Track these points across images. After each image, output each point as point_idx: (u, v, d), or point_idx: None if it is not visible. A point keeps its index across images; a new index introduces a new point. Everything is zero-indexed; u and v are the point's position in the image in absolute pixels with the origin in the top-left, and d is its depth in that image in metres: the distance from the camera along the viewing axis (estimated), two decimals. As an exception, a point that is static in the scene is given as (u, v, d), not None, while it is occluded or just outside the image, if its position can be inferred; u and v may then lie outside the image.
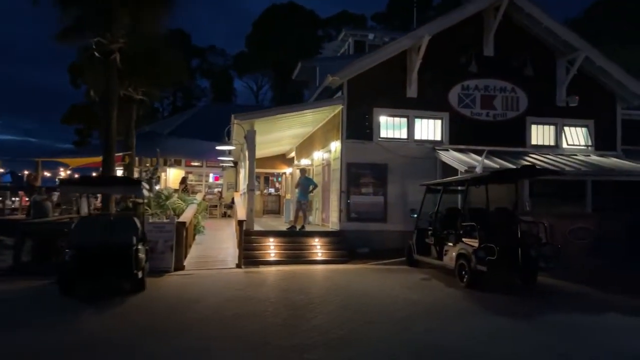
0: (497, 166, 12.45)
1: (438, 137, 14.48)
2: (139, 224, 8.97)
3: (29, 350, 5.46)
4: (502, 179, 9.91)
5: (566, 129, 15.29)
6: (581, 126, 15.40)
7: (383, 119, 14.17)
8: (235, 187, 26.38)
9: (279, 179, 27.68)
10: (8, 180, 29.81)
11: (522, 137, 14.84)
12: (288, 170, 25.05)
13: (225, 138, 13.73)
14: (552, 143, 15.18)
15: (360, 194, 13.85)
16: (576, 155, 14.79)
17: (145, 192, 9.31)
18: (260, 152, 17.41)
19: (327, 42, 26.60)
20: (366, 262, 12.33)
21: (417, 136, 14.34)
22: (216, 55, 56.14)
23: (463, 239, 9.21)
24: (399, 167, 13.96)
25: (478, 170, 11.55)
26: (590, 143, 15.36)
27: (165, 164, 25.90)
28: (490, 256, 8.28)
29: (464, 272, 9.05)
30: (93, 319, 6.88)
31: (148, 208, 13.57)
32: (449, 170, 13.49)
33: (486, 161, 11.97)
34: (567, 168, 12.78)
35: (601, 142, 15.33)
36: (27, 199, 16.91)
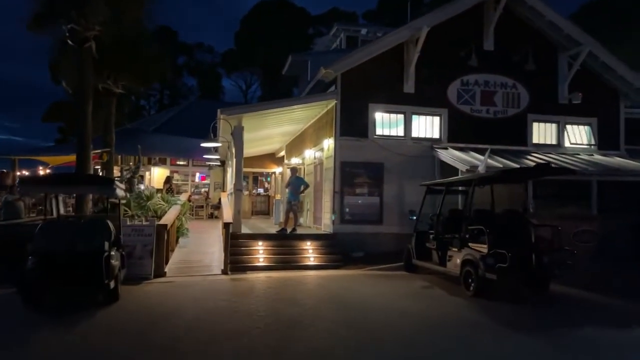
0: (500, 165, 11.75)
1: (436, 135, 13.74)
2: (112, 228, 8.07)
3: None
4: (514, 178, 9.15)
5: (568, 127, 14.65)
6: (584, 124, 14.78)
7: (379, 116, 13.39)
8: (222, 187, 25.48)
9: (268, 178, 26.82)
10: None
11: (523, 135, 14.17)
12: (278, 169, 24.19)
13: (210, 134, 12.84)
14: (554, 142, 14.53)
15: (355, 194, 13.06)
16: (579, 154, 14.15)
17: (121, 192, 8.40)
18: (248, 151, 16.57)
19: (319, 38, 25.81)
20: (361, 268, 11.53)
21: (414, 134, 13.59)
22: (204, 53, 55.01)
23: (469, 244, 8.45)
24: (395, 166, 13.20)
25: (481, 169, 10.82)
26: (593, 142, 14.74)
27: (149, 162, 24.90)
28: (501, 263, 7.52)
29: (470, 280, 8.30)
30: (50, 337, 5.97)
31: (128, 209, 12.67)
32: (447, 169, 12.78)
33: (489, 160, 11.24)
34: (575, 168, 12.11)
35: (604, 141, 14.71)
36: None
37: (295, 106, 13.13)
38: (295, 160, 18.27)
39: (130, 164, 20.24)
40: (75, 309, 7.36)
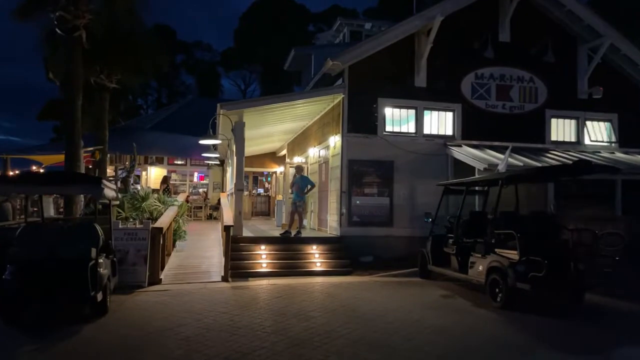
0: (521, 164, 10.95)
1: (449, 132, 12.94)
2: (100, 232, 7.25)
3: None
4: (550, 176, 8.29)
5: (588, 123, 13.87)
6: (604, 120, 14.00)
7: (389, 111, 12.59)
8: (221, 187, 24.67)
9: (269, 178, 26.02)
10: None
11: (541, 131, 13.37)
12: (279, 169, 23.38)
13: (210, 131, 12.01)
14: (574, 139, 13.75)
15: (363, 194, 12.25)
16: (600, 152, 13.37)
17: (110, 193, 7.59)
18: (248, 150, 15.71)
19: (321, 33, 24.98)
20: (372, 274, 10.73)
21: (426, 130, 12.79)
22: (202, 51, 54.16)
23: (496, 250, 7.64)
24: (406, 165, 12.39)
25: (501, 168, 10.04)
26: (614, 139, 13.96)
27: (146, 162, 24.09)
28: (536, 272, 6.71)
29: (497, 290, 7.50)
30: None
31: (121, 211, 11.86)
32: (461, 168, 12.01)
33: (509, 159, 10.43)
34: (617, 167, 11.25)
35: (625, 138, 13.92)
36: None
37: (300, 100, 12.30)
38: (297, 159, 17.46)
39: (127, 163, 19.42)
40: (58, 324, 6.54)
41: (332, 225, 12.93)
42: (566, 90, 13.54)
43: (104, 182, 6.83)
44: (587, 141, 13.74)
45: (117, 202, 11.67)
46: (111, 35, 13.43)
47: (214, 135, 12.35)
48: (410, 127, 12.75)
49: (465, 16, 12.71)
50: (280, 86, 39.93)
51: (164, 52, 15.52)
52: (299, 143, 18.24)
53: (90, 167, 14.28)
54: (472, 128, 12.86)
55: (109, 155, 20.85)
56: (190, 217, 20.73)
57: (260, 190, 26.23)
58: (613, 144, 13.90)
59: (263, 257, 10.96)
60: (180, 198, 15.77)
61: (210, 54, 53.89)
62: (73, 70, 10.33)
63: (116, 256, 8.44)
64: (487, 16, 13.03)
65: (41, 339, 5.94)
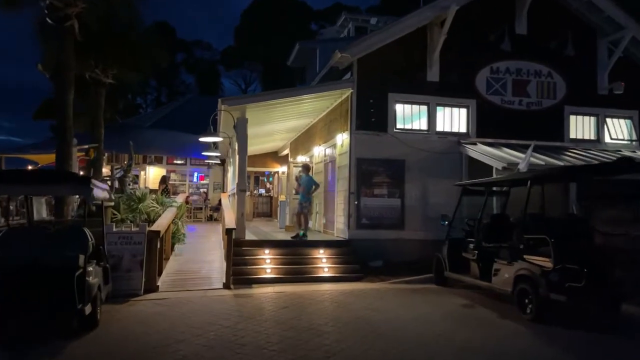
0: (542, 163, 10.27)
1: (463, 129, 12.26)
2: (90, 237, 6.57)
3: None
4: (588, 175, 7.55)
5: (608, 120, 13.19)
6: (625, 117, 13.33)
7: (399, 107, 11.91)
8: (222, 187, 24.01)
9: (270, 178, 25.35)
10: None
11: (559, 129, 12.69)
12: (281, 169, 22.72)
13: (210, 128, 11.33)
14: (593, 137, 13.07)
15: (373, 195, 11.57)
16: (621, 151, 12.69)
17: (102, 193, 6.91)
18: (249, 149, 14.99)
19: (325, 28, 24.25)
20: (383, 280, 10.05)
21: (439, 127, 12.11)
22: (202, 50, 53.53)
23: (525, 256, 6.96)
24: (418, 164, 11.72)
25: (522, 167, 9.36)
26: (635, 137, 13.28)
27: (144, 161, 23.42)
28: (574, 281, 6.03)
29: (527, 301, 6.82)
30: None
31: (117, 213, 11.19)
32: (476, 167, 11.33)
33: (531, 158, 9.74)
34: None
35: (647, 136, 13.27)
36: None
37: (306, 96, 11.61)
38: (301, 159, 16.80)
39: (124, 162, 18.73)
40: (40, 339, 5.86)
41: (339, 227, 12.25)
42: (585, 86, 12.87)
43: (94, 181, 6.16)
44: (607, 139, 13.07)
45: (112, 204, 11.02)
46: (107, 28, 12.78)
47: (214, 133, 11.67)
48: (422, 124, 12.08)
49: (480, 7, 12.05)
50: (281, 85, 39.05)
51: (162, 47, 14.82)
52: (302, 142, 17.57)
53: (84, 166, 13.56)
54: (487, 125, 12.19)
55: (106, 154, 20.25)
56: (190, 218, 20.08)
57: (262, 191, 25.56)
58: (634, 142, 13.23)
59: (267, 262, 10.28)
60: (180, 199, 15.08)
61: (210, 52, 53.31)
62: (64, 61, 9.66)
63: (109, 262, 7.77)
64: (503, 7, 12.37)
65: (20, 357, 5.27)
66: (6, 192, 7.01)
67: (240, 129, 10.88)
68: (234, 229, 9.81)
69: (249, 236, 11.41)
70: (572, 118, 12.89)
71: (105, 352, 5.47)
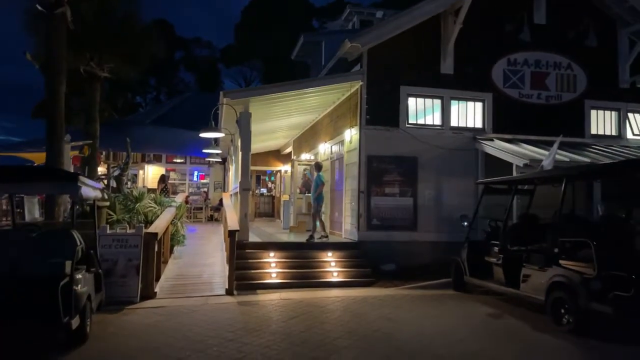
0: (567, 159, 9.59)
1: (479, 124, 11.60)
2: (79, 240, 5.91)
3: None
4: (632, 172, 6.86)
5: (630, 115, 12.52)
6: (646, 112, 12.67)
7: (412, 101, 11.25)
8: (223, 186, 23.36)
9: (272, 178, 24.68)
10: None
11: (580, 124, 12.02)
12: (283, 167, 22.05)
13: (211, 123, 10.66)
14: (615, 132, 12.40)
15: (384, 194, 10.91)
16: (644, 147, 12.03)
17: (93, 192, 6.25)
18: (251, 147, 14.41)
19: (329, 22, 23.54)
20: (397, 285, 9.39)
21: (453, 122, 11.45)
22: (202, 48, 52.84)
23: (561, 261, 6.29)
24: (431, 161, 11.06)
25: (546, 164, 8.68)
26: (658, 133, 12.63)
27: (143, 160, 22.77)
28: (621, 290, 5.37)
29: (563, 311, 6.16)
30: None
31: (112, 214, 10.53)
32: (493, 164, 10.69)
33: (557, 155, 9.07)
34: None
35: (670, 132, 12.61)
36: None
37: (313, 88, 10.92)
38: (305, 157, 16.15)
39: (121, 160, 18.05)
40: (22, 356, 5.20)
41: (348, 228, 11.59)
42: (606, 79, 12.21)
43: (82, 179, 5.49)
44: (629, 135, 12.41)
45: (107, 204, 10.37)
46: (102, 19, 12.16)
47: (216, 128, 10.99)
48: (436, 119, 11.42)
49: (496, -5, 11.40)
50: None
51: (159, 39, 14.17)
52: (306, 139, 16.91)
53: (79, 164, 12.91)
54: (504, 120, 11.53)
55: (104, 153, 19.60)
56: (190, 218, 19.43)
57: (263, 190, 24.90)
58: (657, 139, 12.57)
59: (272, 266, 9.62)
60: (179, 198, 14.42)
61: (210, 50, 52.64)
62: (55, 50, 8.99)
63: (102, 267, 7.11)
64: (521, -5, 11.71)
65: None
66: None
67: (244, 124, 10.21)
68: (237, 230, 9.14)
69: (252, 238, 10.75)
70: (593, 113, 12.22)
71: (94, 373, 4.82)
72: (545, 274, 6.49)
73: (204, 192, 23.48)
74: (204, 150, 15.04)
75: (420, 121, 11.34)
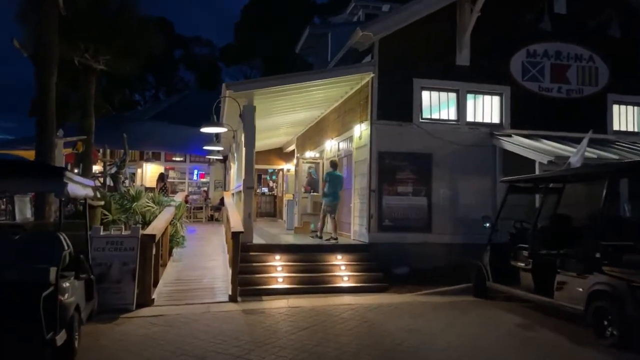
0: (595, 156, 8.97)
1: (496, 119, 10.98)
2: (66, 244, 5.26)
3: None
4: None
5: (654, 111, 11.91)
6: (670, 108, 12.03)
7: (426, 94, 10.62)
8: (224, 185, 22.72)
9: (274, 177, 24.05)
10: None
11: (602, 120, 11.38)
12: (286, 166, 21.43)
13: (213, 117, 10.02)
14: (637, 129, 11.78)
15: (396, 193, 10.28)
16: (670, 144, 11.39)
17: (83, 190, 5.61)
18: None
19: (332, 18, 22.90)
20: (412, 291, 8.74)
21: (469, 117, 10.82)
22: (202, 47, 52.21)
23: (603, 267, 5.66)
24: (446, 158, 10.44)
25: (574, 161, 8.06)
26: (683, 130, 11.99)
27: (141, 158, 22.12)
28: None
29: (606, 322, 5.53)
30: None
31: (108, 214, 9.90)
32: (512, 161, 10.09)
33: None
34: None
35: (696, 128, 11.97)
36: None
37: (321, 80, 10.26)
38: (310, 154, 15.51)
39: (117, 158, 17.41)
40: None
41: (357, 229, 10.96)
42: (630, 72, 11.56)
43: (69, 174, 4.84)
44: (652, 131, 11.80)
45: (102, 203, 9.73)
46: (97, 9, 11.51)
47: (218, 123, 10.35)
48: (451, 114, 10.80)
49: (515, -18, 10.77)
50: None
51: (158, 33, 13.50)
52: (311, 136, 16.28)
53: (73, 162, 12.27)
54: (523, 115, 10.91)
55: (101, 150, 18.96)
56: (190, 218, 18.78)
57: (265, 190, 24.26)
58: (682, 136, 11.93)
59: (278, 270, 8.99)
60: (178, 198, 13.77)
61: (210, 49, 52.00)
62: (46, 37, 8.32)
63: (94, 273, 6.48)
64: (540, -17, 11.07)
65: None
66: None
67: (248, 118, 9.57)
68: (242, 232, 8.49)
69: (256, 239, 10.12)
70: (615, 107, 11.59)
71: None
72: (585, 282, 5.86)
73: (204, 191, 22.85)
74: (204, 148, 14.40)
75: (435, 116, 10.72)
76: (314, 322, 6.62)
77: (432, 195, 10.37)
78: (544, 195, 7.58)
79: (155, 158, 22.26)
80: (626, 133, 11.54)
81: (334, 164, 10.82)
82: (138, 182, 20.82)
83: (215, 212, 21.29)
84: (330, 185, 10.46)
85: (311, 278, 8.88)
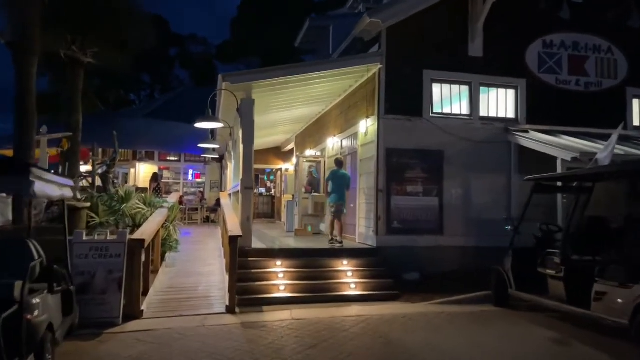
0: (622, 153, 8.30)
1: (511, 114, 10.31)
2: (37, 253, 4.55)
3: None
4: None
5: (674, 105, 11.26)
6: (692, 102, 11.39)
7: (436, 87, 9.94)
8: (220, 186, 21.95)
9: (271, 177, 23.31)
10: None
11: (621, 114, 10.63)
12: (284, 165, 20.72)
13: (208, 111, 9.28)
14: (658, 125, 11.15)
15: (406, 193, 9.58)
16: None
17: (57, 190, 4.88)
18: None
19: (333, 11, 22.28)
20: (425, 299, 8.03)
21: (482, 112, 10.14)
22: (197, 45, 51.48)
23: (654, 277, 4.98)
24: (459, 155, 9.76)
25: (602, 158, 7.37)
26: None
27: (134, 157, 21.33)
28: None
29: (658, 340, 4.85)
30: None
31: (94, 216, 9.16)
32: (528, 159, 9.47)
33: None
34: None
35: None
36: None
37: (325, 72, 9.54)
38: (310, 153, 14.81)
39: (106, 157, 16.60)
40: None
41: (363, 232, 10.25)
42: (648, 64, 10.94)
43: (37, 172, 4.11)
44: (673, 127, 11.15)
45: (88, 204, 8.99)
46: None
47: (213, 117, 9.62)
48: (463, 108, 10.11)
49: (530, -32, 10.10)
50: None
51: (149, 24, 12.79)
52: (311, 134, 15.58)
53: (58, 161, 11.52)
54: (539, 109, 10.25)
55: (93, 150, 18.16)
56: (185, 220, 18.01)
57: (262, 190, 23.52)
58: None
59: (280, 277, 8.27)
60: (172, 199, 13.03)
61: (206, 47, 51.25)
62: (26, 23, 7.60)
63: (74, 283, 5.76)
64: (557, -31, 10.41)
65: None
66: None
67: (246, 112, 8.85)
68: (240, 236, 7.76)
69: (254, 243, 9.38)
70: (635, 102, 10.95)
71: None
72: (630, 292, 5.18)
73: (200, 192, 22.10)
74: (200, 145, 13.66)
75: (446, 110, 10.04)
76: (322, 337, 5.90)
77: (444, 195, 9.68)
78: (577, 195, 6.89)
79: (148, 157, 21.49)
80: (647, 129, 10.89)
81: (339, 162, 10.10)
82: (131, 182, 20.05)
83: (212, 214, 20.53)
84: (332, 185, 9.74)
85: (315, 286, 8.16)
